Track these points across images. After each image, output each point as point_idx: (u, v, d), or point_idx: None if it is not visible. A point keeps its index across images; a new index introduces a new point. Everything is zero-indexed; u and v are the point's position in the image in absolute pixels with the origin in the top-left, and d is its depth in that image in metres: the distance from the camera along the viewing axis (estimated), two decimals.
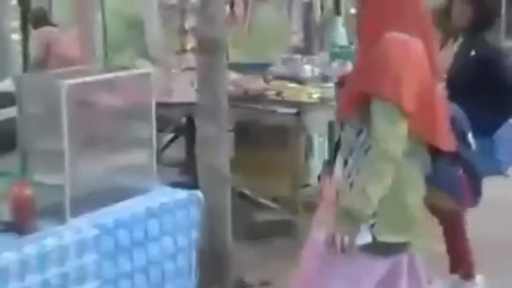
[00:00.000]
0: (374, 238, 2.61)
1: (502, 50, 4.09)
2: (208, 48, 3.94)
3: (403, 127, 2.53)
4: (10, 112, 6.30)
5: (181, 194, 3.47)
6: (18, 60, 9.18)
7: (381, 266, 2.71)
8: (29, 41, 8.22)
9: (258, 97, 5.57)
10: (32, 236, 2.81)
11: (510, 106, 3.93)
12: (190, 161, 5.14)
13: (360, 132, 2.65)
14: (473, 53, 3.90)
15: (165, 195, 3.41)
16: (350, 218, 2.56)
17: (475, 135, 3.73)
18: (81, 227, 2.95)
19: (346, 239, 2.56)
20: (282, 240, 5.29)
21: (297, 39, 9.28)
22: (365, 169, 2.58)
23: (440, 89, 2.85)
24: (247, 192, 5.94)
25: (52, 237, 2.83)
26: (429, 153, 2.70)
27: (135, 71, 3.45)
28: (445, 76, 3.85)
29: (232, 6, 8.33)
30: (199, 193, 3.53)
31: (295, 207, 5.44)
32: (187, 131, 6.11)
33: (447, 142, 2.67)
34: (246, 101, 5.49)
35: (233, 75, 5.71)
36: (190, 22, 7.32)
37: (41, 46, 7.49)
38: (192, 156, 4.74)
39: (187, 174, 5.69)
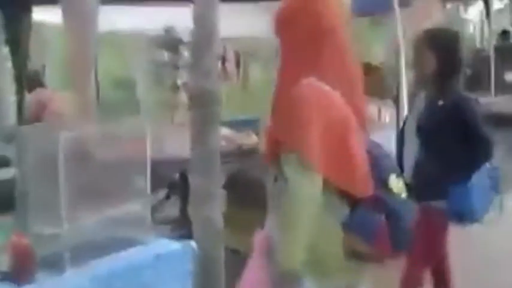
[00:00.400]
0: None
1: (472, 98, 4.12)
2: (202, 101, 4.02)
3: (312, 177, 2.50)
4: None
5: (176, 245, 3.52)
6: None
7: None
8: (23, 103, 8.32)
9: (251, 153, 5.64)
10: (30, 286, 2.85)
11: (482, 154, 3.95)
12: (184, 217, 5.17)
13: (275, 180, 2.66)
14: (441, 102, 3.91)
15: (159, 246, 3.46)
16: (288, 277, 2.56)
17: (448, 184, 3.82)
18: (78, 277, 3.00)
19: None
20: None
21: None
22: (282, 221, 2.57)
23: (366, 139, 2.73)
24: (239, 248, 5.96)
25: (50, 287, 2.87)
26: (349, 199, 2.62)
27: (130, 125, 3.53)
28: (417, 125, 3.92)
29: (223, 63, 8.45)
30: (193, 243, 3.58)
31: None
32: (181, 187, 6.17)
33: (363, 188, 2.59)
34: (239, 156, 5.56)
35: (225, 131, 5.79)
36: (182, 78, 7.47)
37: (37, 104, 7.61)
38: (185, 213, 4.77)
39: (181, 230, 5.72)
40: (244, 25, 7.77)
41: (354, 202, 2.62)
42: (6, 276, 2.87)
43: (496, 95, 10.08)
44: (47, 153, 2.98)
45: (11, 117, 9.46)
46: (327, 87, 2.56)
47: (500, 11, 16.59)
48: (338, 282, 2.71)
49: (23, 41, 7.14)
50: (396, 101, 7.36)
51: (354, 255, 2.66)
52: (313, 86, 2.54)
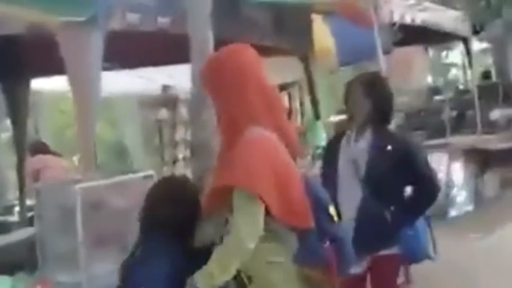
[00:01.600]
0: None
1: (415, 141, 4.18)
2: (202, 152, 4.21)
3: (256, 205, 2.64)
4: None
5: None
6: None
7: None
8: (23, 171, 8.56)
9: None
10: None
11: (430, 196, 3.90)
12: None
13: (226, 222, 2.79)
14: (389, 147, 3.81)
15: None
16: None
17: (398, 229, 3.88)
18: None
19: None
20: None
21: None
22: (218, 250, 2.68)
23: (300, 168, 2.93)
24: None
25: None
26: (295, 231, 2.78)
27: (139, 174, 3.74)
28: (366, 171, 3.84)
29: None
30: None
31: None
32: None
33: (305, 220, 2.75)
34: None
35: None
36: (180, 134, 7.72)
37: (32, 172, 7.86)
38: None
39: None
40: None
41: (301, 234, 2.79)
42: None
43: (482, 133, 10.30)
44: (64, 205, 3.20)
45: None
46: (267, 132, 2.75)
47: (483, 51, 16.83)
48: None
49: (21, 111, 7.41)
50: None
51: (307, 282, 2.84)
52: (257, 134, 2.73)
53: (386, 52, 7.61)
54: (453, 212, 8.68)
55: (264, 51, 5.88)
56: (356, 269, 3.55)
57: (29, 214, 8.30)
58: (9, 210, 8.57)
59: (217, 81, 2.83)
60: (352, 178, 3.84)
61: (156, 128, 8.02)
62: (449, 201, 8.66)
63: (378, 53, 7.12)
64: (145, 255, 2.73)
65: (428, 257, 4.01)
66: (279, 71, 8.04)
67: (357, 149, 3.85)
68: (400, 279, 3.92)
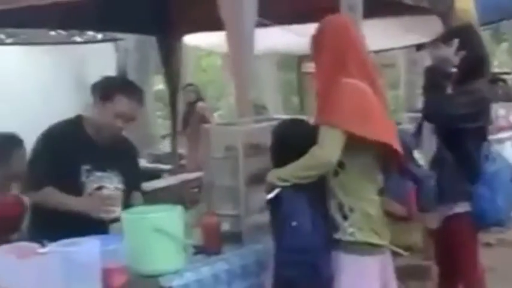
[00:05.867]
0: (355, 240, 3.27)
1: None
2: None
3: (339, 134, 3.17)
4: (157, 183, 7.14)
5: None
6: None
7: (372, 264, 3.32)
8: (176, 113, 9.28)
9: None
10: (219, 257, 3.43)
11: None
12: None
13: None
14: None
15: None
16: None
17: (470, 185, 4.05)
18: (257, 249, 3.57)
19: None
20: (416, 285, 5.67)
21: None
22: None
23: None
24: None
25: (236, 257, 3.46)
26: (383, 170, 3.36)
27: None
28: None
29: None
30: None
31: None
32: None
33: (388, 137, 3.26)
34: None
35: None
36: None
37: (199, 115, 9.68)
38: None
39: None
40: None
41: (387, 171, 3.37)
42: (199, 249, 3.46)
43: None
44: (229, 145, 3.58)
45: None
46: (361, 83, 3.27)
47: None
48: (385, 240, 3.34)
49: (174, 65, 7.92)
50: None
51: (387, 216, 3.34)
52: (352, 83, 3.27)
53: None
54: None
55: (404, 9, 6.08)
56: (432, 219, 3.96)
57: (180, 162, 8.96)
58: (159, 158, 9.23)
59: (316, 45, 3.43)
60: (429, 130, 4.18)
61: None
62: None
63: None
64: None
65: (499, 223, 4.17)
66: (418, 30, 8.15)
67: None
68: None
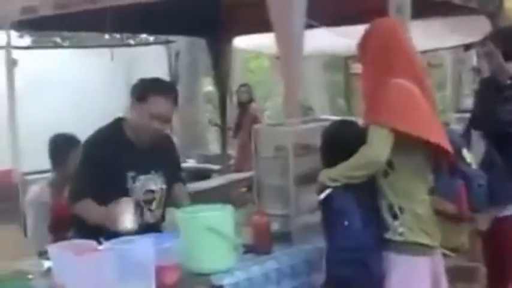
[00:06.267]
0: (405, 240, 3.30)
1: None
2: None
3: (388, 134, 3.20)
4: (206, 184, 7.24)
5: None
6: None
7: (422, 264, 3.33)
8: (226, 113, 9.38)
9: None
10: (269, 256, 3.49)
11: None
12: None
13: None
14: None
15: None
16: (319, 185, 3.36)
17: None
18: (306, 249, 3.61)
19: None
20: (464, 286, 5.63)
21: None
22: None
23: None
24: None
25: (285, 256, 3.51)
26: (432, 168, 3.38)
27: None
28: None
29: None
30: None
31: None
32: None
33: (436, 136, 3.28)
34: None
35: None
36: None
37: (252, 116, 9.73)
38: None
39: None
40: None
41: (437, 170, 3.39)
42: (249, 248, 3.51)
43: None
44: (279, 145, 3.64)
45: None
46: (408, 83, 3.30)
47: None
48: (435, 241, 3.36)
49: (224, 67, 8.01)
50: None
51: (438, 215, 3.36)
52: (401, 83, 3.30)
53: None
54: None
55: (451, 9, 6.04)
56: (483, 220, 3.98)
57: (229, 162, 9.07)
58: (209, 159, 9.35)
59: (364, 47, 3.48)
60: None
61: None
62: None
63: None
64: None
65: None
66: (464, 30, 8.09)
67: None
68: None
